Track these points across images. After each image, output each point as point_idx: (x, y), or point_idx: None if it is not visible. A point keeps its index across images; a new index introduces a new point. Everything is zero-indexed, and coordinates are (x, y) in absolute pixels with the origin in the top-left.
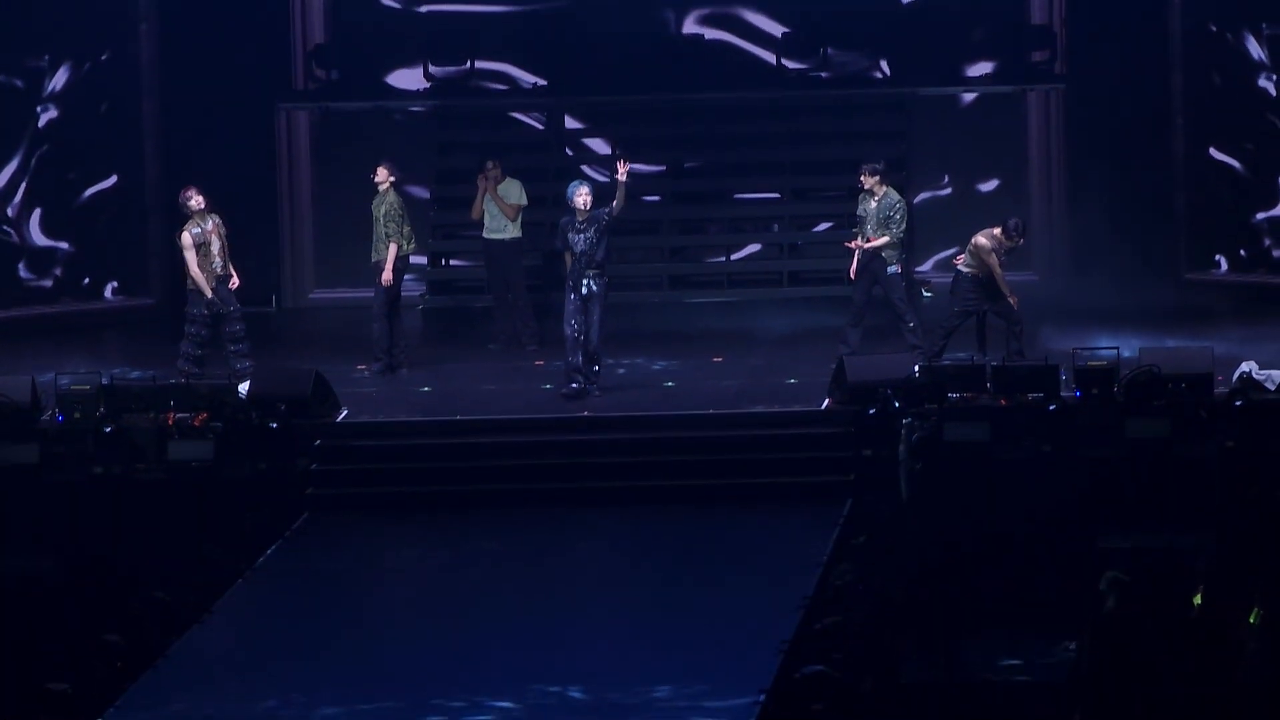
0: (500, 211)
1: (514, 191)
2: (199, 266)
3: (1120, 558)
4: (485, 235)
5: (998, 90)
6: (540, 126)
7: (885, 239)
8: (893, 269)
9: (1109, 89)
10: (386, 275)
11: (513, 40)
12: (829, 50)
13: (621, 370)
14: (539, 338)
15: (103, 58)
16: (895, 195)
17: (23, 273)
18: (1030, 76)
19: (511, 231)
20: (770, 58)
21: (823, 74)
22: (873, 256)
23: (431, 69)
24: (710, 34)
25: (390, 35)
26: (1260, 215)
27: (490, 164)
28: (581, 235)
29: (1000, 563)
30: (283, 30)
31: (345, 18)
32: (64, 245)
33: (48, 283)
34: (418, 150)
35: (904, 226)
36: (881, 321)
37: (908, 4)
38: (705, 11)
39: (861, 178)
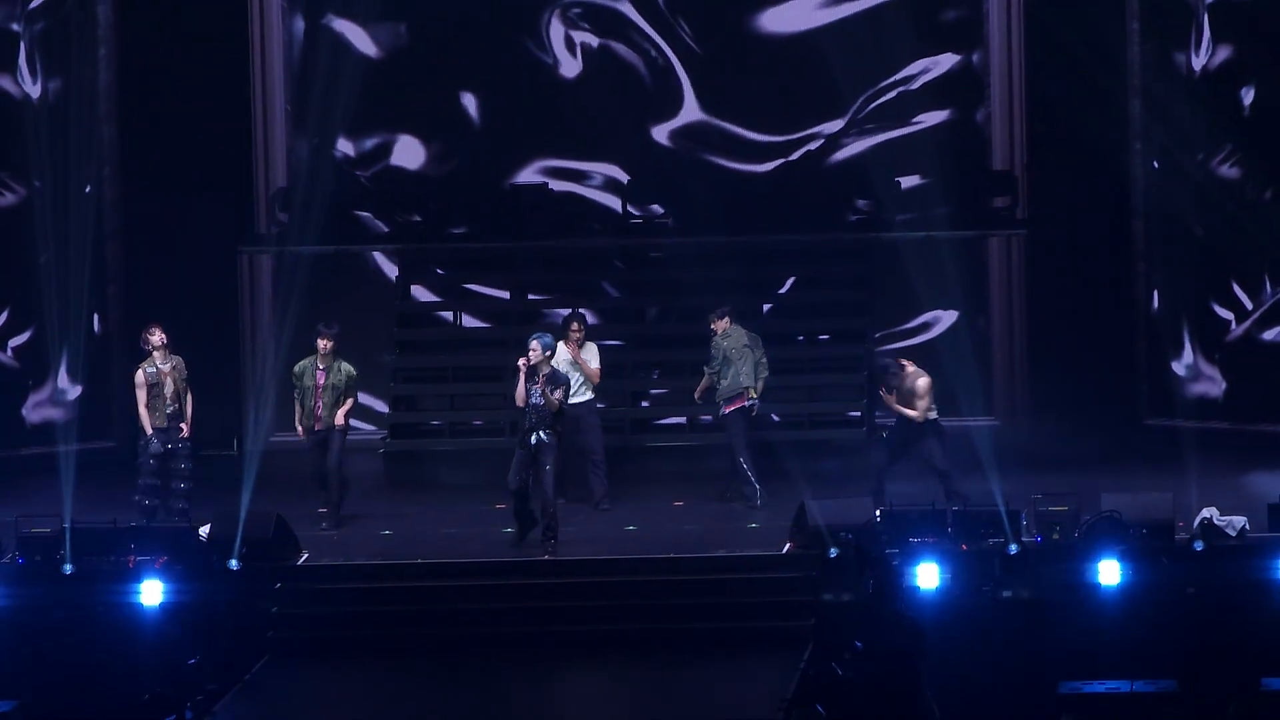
0: (585, 376)
1: (595, 354)
2: (146, 405)
3: (1081, 704)
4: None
5: (959, 236)
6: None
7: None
8: (724, 410)
9: (1070, 234)
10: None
11: (473, 187)
12: (791, 195)
13: (583, 514)
14: (610, 494)
15: (68, 199)
16: (718, 338)
17: None
18: (992, 222)
19: (588, 393)
20: (733, 204)
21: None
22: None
23: (393, 214)
24: (679, 180)
25: (351, 180)
26: (1219, 361)
27: (575, 325)
28: (536, 388)
29: (961, 708)
30: (245, 175)
31: (306, 163)
32: (25, 387)
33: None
34: (379, 294)
35: (715, 366)
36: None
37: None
38: (673, 156)
39: (711, 324)
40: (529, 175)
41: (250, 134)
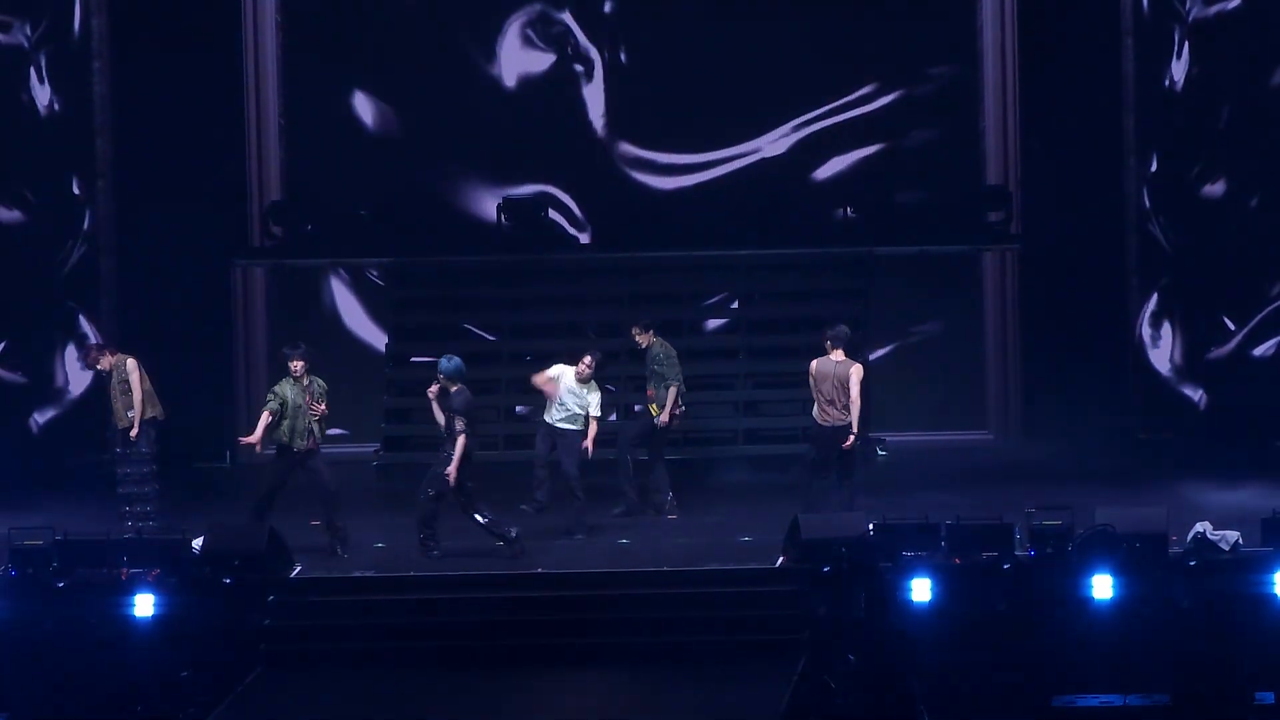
0: (585, 404)
1: (597, 402)
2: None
3: (1075, 717)
4: (552, 420)
5: (954, 250)
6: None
7: (667, 389)
8: (658, 419)
9: (1064, 248)
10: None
11: (470, 198)
12: (788, 209)
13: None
14: (582, 525)
15: (60, 212)
16: (656, 347)
17: None
18: (986, 237)
19: (580, 423)
20: (725, 219)
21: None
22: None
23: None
24: (672, 193)
25: (345, 193)
26: (1211, 376)
27: (588, 361)
28: (440, 410)
29: None
30: (240, 187)
31: (301, 175)
32: (24, 400)
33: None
34: (374, 307)
35: (671, 375)
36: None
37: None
38: (672, 173)
39: (635, 336)
40: (520, 192)
41: (244, 146)
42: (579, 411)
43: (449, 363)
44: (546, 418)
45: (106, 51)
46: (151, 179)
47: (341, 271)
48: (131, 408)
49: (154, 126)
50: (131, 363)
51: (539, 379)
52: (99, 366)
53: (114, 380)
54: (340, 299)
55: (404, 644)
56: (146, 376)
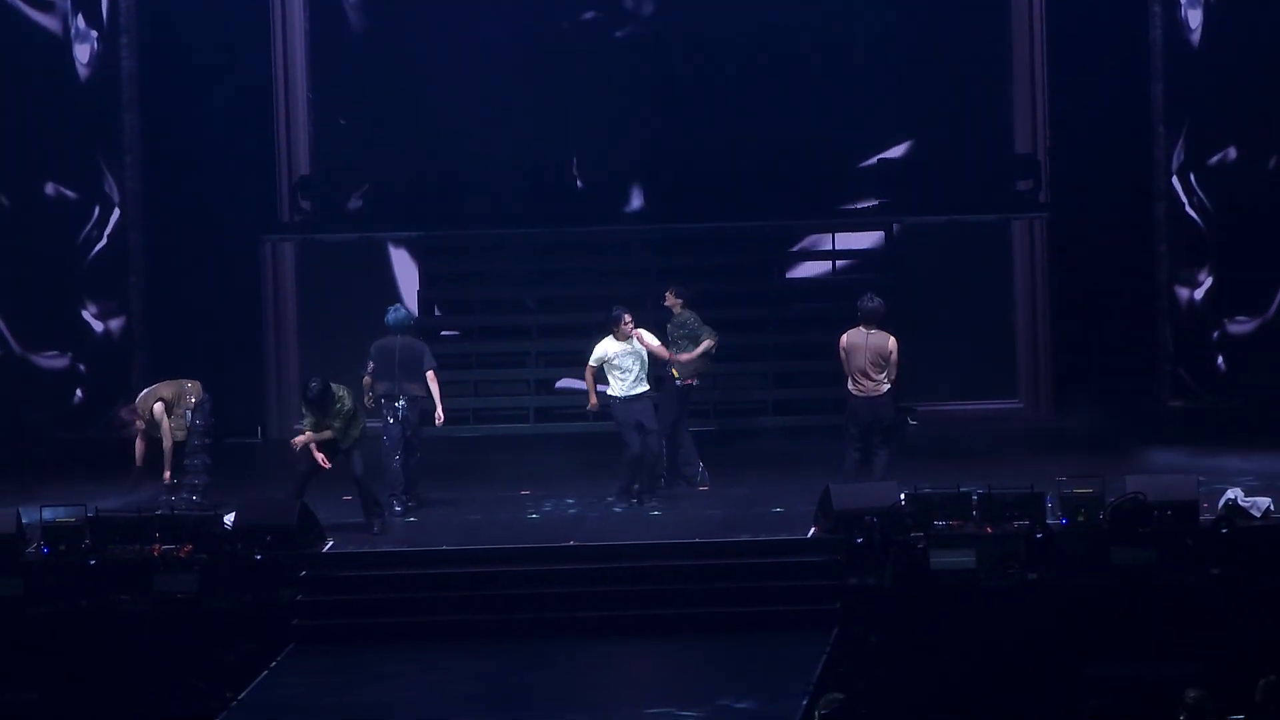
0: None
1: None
2: None
3: (1106, 685)
4: (624, 394)
5: (982, 219)
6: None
7: (681, 356)
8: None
9: (1093, 216)
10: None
11: (499, 170)
12: (815, 179)
13: (608, 500)
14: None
15: (89, 188)
16: (681, 316)
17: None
18: (1015, 205)
19: (650, 380)
20: (756, 188)
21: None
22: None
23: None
24: (701, 163)
25: (375, 166)
26: (1242, 342)
27: (628, 319)
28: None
29: (987, 690)
30: (268, 162)
31: (330, 149)
32: (51, 376)
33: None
34: (405, 281)
35: (686, 345)
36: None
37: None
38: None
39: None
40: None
41: (273, 121)
42: (642, 370)
43: (394, 314)
44: (614, 394)
45: (134, 26)
46: (179, 154)
47: (372, 245)
48: (177, 434)
49: (182, 101)
50: (159, 408)
51: (589, 375)
52: (140, 423)
53: (150, 422)
54: (372, 273)
55: (436, 618)
56: (167, 390)
